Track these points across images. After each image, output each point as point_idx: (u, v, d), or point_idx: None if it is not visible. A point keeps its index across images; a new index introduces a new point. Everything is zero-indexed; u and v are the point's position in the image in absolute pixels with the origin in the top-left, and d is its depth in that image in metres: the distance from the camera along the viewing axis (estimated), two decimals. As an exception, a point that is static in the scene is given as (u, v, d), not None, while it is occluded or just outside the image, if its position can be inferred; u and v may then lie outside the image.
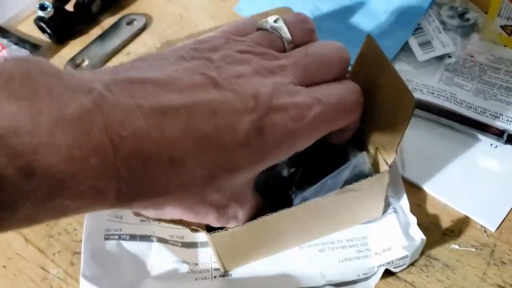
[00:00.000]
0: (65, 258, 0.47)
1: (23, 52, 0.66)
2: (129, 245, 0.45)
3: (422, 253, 0.43)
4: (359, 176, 0.39)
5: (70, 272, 0.47)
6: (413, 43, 0.58)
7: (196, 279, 0.43)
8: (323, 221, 0.42)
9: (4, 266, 0.48)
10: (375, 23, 0.61)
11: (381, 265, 0.42)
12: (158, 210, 0.31)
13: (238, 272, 0.43)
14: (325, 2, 0.62)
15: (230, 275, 0.43)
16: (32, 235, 0.50)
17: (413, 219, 0.43)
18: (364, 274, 0.42)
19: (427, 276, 0.42)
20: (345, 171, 0.39)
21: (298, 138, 0.32)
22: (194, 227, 0.37)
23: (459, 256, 0.43)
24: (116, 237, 0.46)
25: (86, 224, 0.46)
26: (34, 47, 0.67)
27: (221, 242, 0.39)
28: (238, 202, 0.34)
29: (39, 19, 0.66)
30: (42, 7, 0.65)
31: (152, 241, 0.45)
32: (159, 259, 0.45)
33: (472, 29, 0.59)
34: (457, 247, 0.44)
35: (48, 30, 0.67)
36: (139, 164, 0.25)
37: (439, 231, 0.45)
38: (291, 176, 0.42)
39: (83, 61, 0.66)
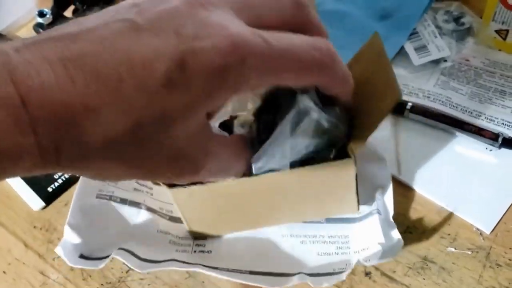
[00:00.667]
0: (65, 263, 0.47)
1: (22, 58, 0.66)
2: (118, 207, 0.48)
3: (418, 256, 0.44)
4: (316, 129, 0.36)
5: (70, 278, 0.47)
6: (409, 47, 0.58)
7: (176, 250, 0.45)
8: (289, 200, 0.42)
9: (4, 272, 0.49)
10: (371, 28, 0.61)
11: (351, 264, 0.42)
12: (102, 173, 0.28)
13: (218, 249, 0.45)
14: (321, 7, 0.63)
15: (210, 251, 0.45)
16: (32, 241, 0.51)
17: (393, 225, 0.43)
18: (340, 269, 0.43)
19: (424, 279, 0.43)
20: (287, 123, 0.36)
21: (231, 77, 0.27)
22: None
23: (455, 258, 0.44)
24: (107, 197, 0.48)
25: (80, 183, 0.47)
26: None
27: (182, 198, 0.41)
28: (201, 153, 0.30)
29: (38, 25, 0.66)
30: (41, 14, 0.65)
31: (141, 208, 0.48)
32: (144, 225, 0.47)
33: (467, 33, 0.60)
34: (453, 249, 0.44)
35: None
36: (53, 116, 0.24)
37: (435, 234, 0.45)
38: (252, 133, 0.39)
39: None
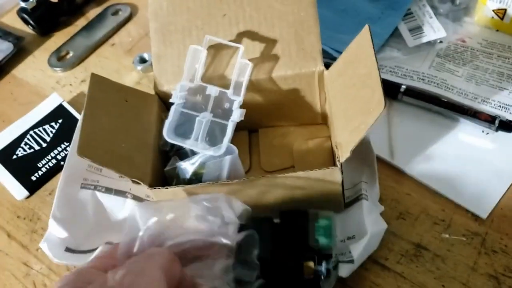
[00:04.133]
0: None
1: (7, 45, 0.65)
2: (103, 197, 0.46)
3: (412, 243, 0.42)
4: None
5: (54, 268, 0.46)
6: (403, 28, 0.56)
7: None
8: (272, 201, 0.41)
9: (-15, 263, 0.47)
10: (365, 10, 0.59)
11: (338, 255, 0.41)
12: None
13: None
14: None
15: None
16: (15, 231, 0.49)
17: (380, 207, 0.41)
18: None
19: (417, 267, 0.41)
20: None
21: None
22: (136, 179, 0.38)
23: (449, 245, 0.42)
24: (92, 187, 0.47)
25: (64, 170, 0.46)
26: (17, 39, 0.66)
27: (163, 198, 0.40)
28: None
29: (21, 10, 0.65)
30: (24, -1, 0.63)
31: (126, 197, 0.46)
32: (129, 213, 0.45)
33: (464, 13, 0.58)
34: (447, 236, 0.43)
35: (31, 22, 0.65)
36: None
37: (429, 220, 0.44)
38: None
39: (67, 52, 0.64)
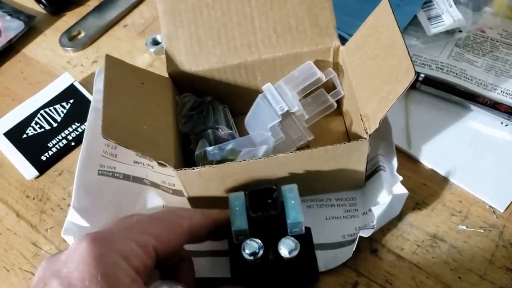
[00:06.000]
0: (58, 234, 0.45)
1: (18, 23, 0.64)
2: (122, 184, 0.45)
3: (428, 234, 0.42)
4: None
5: (63, 249, 0.45)
6: (422, 16, 0.55)
7: None
8: (296, 180, 0.40)
9: (-6, 242, 0.47)
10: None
11: (360, 228, 0.41)
12: None
13: None
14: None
15: None
16: (24, 210, 0.49)
17: (398, 178, 0.41)
18: (349, 235, 0.41)
19: (433, 258, 0.41)
20: None
21: None
22: (161, 161, 0.37)
23: (466, 237, 0.41)
24: (110, 174, 0.45)
25: (80, 157, 0.45)
26: (28, 18, 0.65)
27: (188, 179, 0.39)
28: None
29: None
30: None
31: (144, 183, 0.46)
32: (149, 201, 0.45)
33: (484, 3, 0.56)
34: (464, 228, 0.42)
35: (43, 0, 0.64)
36: None
37: (446, 211, 0.43)
38: None
39: (79, 33, 0.63)
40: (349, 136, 0.47)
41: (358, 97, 0.40)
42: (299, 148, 0.46)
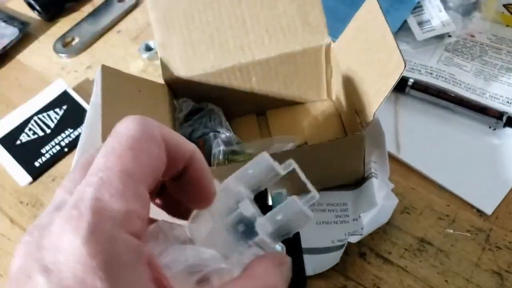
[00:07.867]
0: (51, 239, 0.46)
1: (12, 30, 0.64)
2: None
3: (415, 238, 0.42)
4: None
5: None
6: (412, 22, 0.56)
7: None
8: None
9: (-12, 247, 0.47)
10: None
11: (350, 233, 0.41)
12: None
13: None
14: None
15: None
16: (18, 216, 0.49)
17: (390, 185, 0.42)
18: (339, 240, 0.42)
19: (420, 261, 0.41)
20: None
21: None
22: None
23: (453, 240, 0.42)
24: None
25: (76, 159, 0.45)
26: (23, 24, 0.65)
27: None
28: None
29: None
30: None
31: None
32: None
33: (474, 8, 0.57)
34: (451, 231, 0.42)
35: (37, 7, 0.65)
36: None
37: (434, 215, 0.43)
38: None
39: (73, 39, 0.64)
40: (346, 133, 0.47)
41: (352, 92, 0.41)
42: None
